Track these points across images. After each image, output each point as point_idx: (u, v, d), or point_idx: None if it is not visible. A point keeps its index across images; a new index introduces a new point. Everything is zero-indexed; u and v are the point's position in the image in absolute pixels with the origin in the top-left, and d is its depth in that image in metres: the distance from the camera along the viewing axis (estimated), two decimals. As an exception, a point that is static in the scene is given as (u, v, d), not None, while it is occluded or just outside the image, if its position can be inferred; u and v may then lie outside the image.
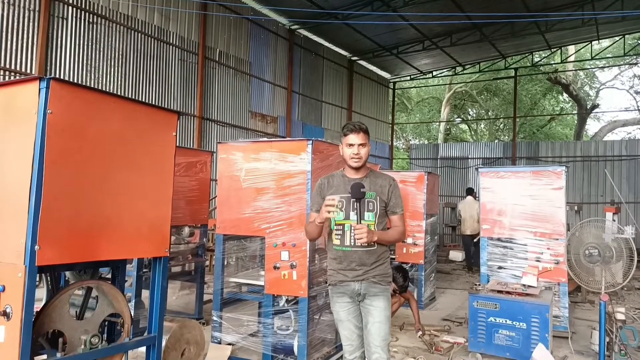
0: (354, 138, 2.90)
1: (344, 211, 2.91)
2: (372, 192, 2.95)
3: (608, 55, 22.33)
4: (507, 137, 26.61)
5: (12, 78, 8.01)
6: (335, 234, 2.95)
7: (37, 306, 2.28)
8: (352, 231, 2.84)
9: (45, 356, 2.34)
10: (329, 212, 2.74)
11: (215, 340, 4.30)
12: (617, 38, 18.69)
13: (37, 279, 2.43)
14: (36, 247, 2.05)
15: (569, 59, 21.54)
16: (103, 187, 2.35)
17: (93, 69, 9.49)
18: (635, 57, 21.46)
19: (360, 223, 2.81)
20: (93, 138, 2.31)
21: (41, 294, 2.66)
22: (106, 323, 2.62)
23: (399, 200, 3.04)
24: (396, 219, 3.02)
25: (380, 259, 2.99)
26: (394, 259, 6.83)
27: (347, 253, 2.92)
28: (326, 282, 4.35)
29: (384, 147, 21.05)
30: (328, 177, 3.08)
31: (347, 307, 2.98)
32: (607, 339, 4.47)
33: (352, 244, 2.89)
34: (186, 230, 5.65)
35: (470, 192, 11.54)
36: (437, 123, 27.97)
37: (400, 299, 5.71)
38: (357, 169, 2.97)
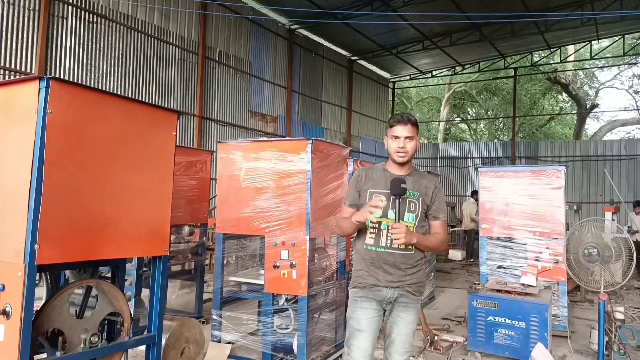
0: (401, 130, 2.64)
1: (382, 209, 2.61)
2: (415, 191, 2.70)
3: (607, 55, 22.36)
4: (506, 136, 26.64)
5: (12, 77, 8.01)
6: (370, 233, 2.68)
7: (37, 305, 2.29)
8: (389, 230, 2.59)
9: (44, 355, 2.34)
10: (371, 212, 2.47)
11: (215, 339, 4.31)
12: (616, 38, 18.71)
13: (37, 277, 2.44)
14: (36, 246, 2.05)
15: (568, 59, 21.56)
16: (103, 186, 2.35)
17: (93, 68, 9.49)
18: (634, 56, 21.47)
19: (398, 223, 2.56)
20: (93, 137, 2.31)
21: (41, 292, 2.67)
22: (106, 322, 2.62)
23: (442, 205, 2.78)
24: (438, 225, 2.74)
25: (417, 265, 2.70)
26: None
27: (381, 254, 2.64)
28: (328, 281, 4.38)
29: (383, 146, 21.02)
30: (367, 170, 2.82)
31: (371, 316, 2.66)
32: (606, 338, 4.47)
33: (388, 244, 2.63)
34: (186, 229, 5.65)
35: (473, 194, 12.71)
36: (437, 122, 27.99)
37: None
38: (401, 164, 2.72)
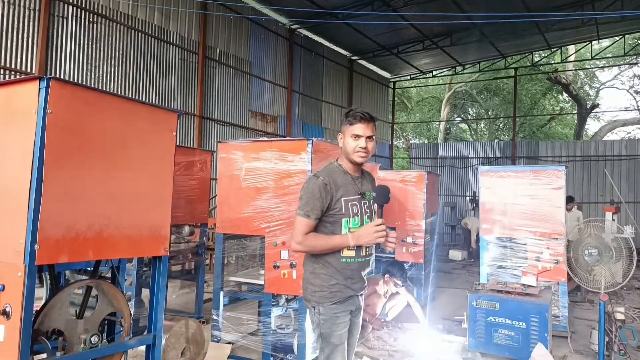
0: (364, 128, 2.45)
1: (359, 216, 2.51)
2: (374, 192, 2.61)
3: (608, 55, 22.32)
4: (507, 136, 26.62)
5: (12, 77, 8.01)
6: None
7: (37, 305, 2.28)
8: (388, 237, 2.48)
9: (44, 355, 2.34)
10: (382, 237, 2.39)
11: (215, 339, 4.31)
12: (617, 38, 18.68)
13: (37, 278, 2.44)
14: (36, 247, 2.05)
15: (569, 59, 21.54)
16: (103, 186, 2.35)
17: (93, 68, 9.49)
18: (635, 56, 21.44)
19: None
20: (93, 137, 2.30)
21: (41, 292, 2.66)
22: (106, 322, 2.62)
23: None
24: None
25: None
26: (393, 258, 6.84)
27: (362, 264, 2.56)
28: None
29: (384, 146, 21.05)
30: (328, 174, 2.52)
31: (347, 327, 2.57)
32: (607, 339, 4.48)
33: (368, 252, 2.57)
34: (186, 229, 5.66)
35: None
36: (437, 122, 27.97)
37: (401, 298, 5.71)
38: (359, 164, 2.58)
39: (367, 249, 2.56)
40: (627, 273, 4.45)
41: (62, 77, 8.89)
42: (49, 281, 2.53)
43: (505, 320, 4.63)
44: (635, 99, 25.64)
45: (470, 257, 12.29)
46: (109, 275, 2.84)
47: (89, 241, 2.28)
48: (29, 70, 8.45)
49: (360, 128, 2.46)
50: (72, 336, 2.35)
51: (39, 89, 2.11)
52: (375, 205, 2.54)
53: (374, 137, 2.52)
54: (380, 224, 2.39)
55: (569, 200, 10.02)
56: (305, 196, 2.48)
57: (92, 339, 2.37)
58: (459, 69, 20.91)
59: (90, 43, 9.42)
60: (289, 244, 3.97)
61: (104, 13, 9.66)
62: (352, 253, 2.50)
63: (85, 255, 2.30)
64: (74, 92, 2.25)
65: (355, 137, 2.48)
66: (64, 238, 2.18)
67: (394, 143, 23.80)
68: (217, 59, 12.50)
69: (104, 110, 2.36)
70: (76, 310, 2.52)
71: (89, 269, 2.66)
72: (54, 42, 8.84)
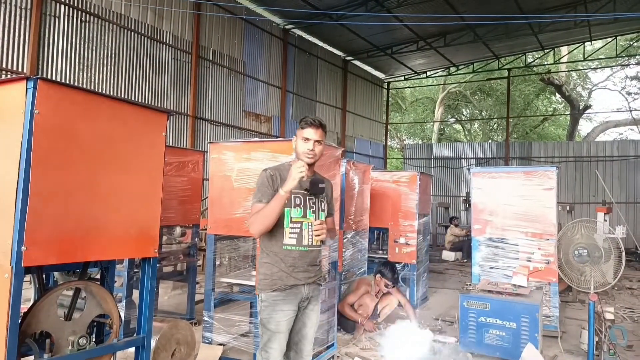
0: (312, 133, 2.73)
1: (302, 208, 2.76)
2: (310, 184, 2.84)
3: (600, 57, 22.47)
4: (500, 137, 26.73)
5: (3, 76, 7.95)
6: (291, 233, 2.73)
7: (25, 307, 2.27)
8: (310, 229, 2.73)
9: (32, 357, 2.33)
10: (301, 172, 2.58)
11: (206, 341, 4.30)
12: (609, 39, 18.82)
13: (29, 279, 2.41)
14: (23, 248, 2.03)
15: (561, 60, 21.66)
16: (91, 187, 2.33)
17: (85, 67, 9.44)
18: (627, 58, 21.63)
19: (319, 220, 2.75)
20: (81, 138, 2.29)
21: (29, 294, 2.64)
22: (95, 324, 2.61)
23: (334, 202, 3.10)
24: (331, 221, 2.98)
25: (321, 258, 2.95)
26: (386, 258, 6.86)
27: (304, 253, 2.74)
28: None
29: (378, 146, 21.08)
30: (278, 169, 2.82)
31: (290, 317, 2.73)
32: (597, 339, 4.51)
33: (310, 242, 2.75)
34: (178, 230, 5.63)
35: (452, 219, 14.44)
36: (431, 123, 28.06)
37: (392, 299, 5.72)
38: (308, 165, 2.78)
39: (310, 239, 2.74)
40: (616, 273, 4.47)
41: (54, 76, 8.83)
42: (37, 282, 2.51)
43: (496, 321, 4.65)
44: (627, 100, 25.83)
45: (464, 257, 12.35)
46: (98, 276, 2.82)
47: (77, 242, 2.27)
48: (20, 69, 8.39)
49: (309, 132, 2.74)
50: (60, 338, 2.33)
51: (27, 89, 2.10)
52: (324, 202, 2.85)
53: (322, 142, 2.79)
54: (302, 166, 2.62)
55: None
56: (257, 186, 2.80)
57: (80, 340, 2.36)
58: (452, 69, 20.99)
59: (82, 42, 9.37)
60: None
61: (96, 12, 9.61)
62: (293, 241, 2.73)
63: (74, 257, 2.29)
64: (62, 93, 2.23)
65: (305, 140, 2.76)
66: (52, 239, 2.17)
67: (388, 143, 23.84)
68: (211, 58, 12.47)
69: (93, 110, 2.35)
70: (64, 312, 2.51)
71: (78, 270, 2.65)
72: (46, 42, 8.78)
